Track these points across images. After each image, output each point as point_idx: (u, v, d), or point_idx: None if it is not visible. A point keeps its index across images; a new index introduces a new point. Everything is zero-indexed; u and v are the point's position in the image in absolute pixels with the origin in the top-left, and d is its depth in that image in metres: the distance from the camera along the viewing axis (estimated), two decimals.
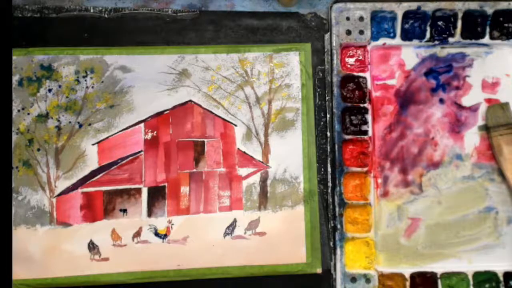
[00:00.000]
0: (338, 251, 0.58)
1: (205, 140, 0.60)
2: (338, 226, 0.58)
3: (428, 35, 0.61)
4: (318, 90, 0.61)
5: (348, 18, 0.61)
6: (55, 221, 0.57)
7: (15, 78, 0.59)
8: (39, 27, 0.60)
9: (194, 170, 0.59)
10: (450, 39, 0.61)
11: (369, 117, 0.60)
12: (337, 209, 0.58)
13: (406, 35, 0.61)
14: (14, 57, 0.59)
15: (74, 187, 0.58)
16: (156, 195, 0.58)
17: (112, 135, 0.59)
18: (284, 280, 0.57)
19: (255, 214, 0.58)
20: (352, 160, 0.59)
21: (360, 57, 0.61)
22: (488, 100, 0.61)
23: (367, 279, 0.57)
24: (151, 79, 0.60)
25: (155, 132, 0.59)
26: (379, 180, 0.60)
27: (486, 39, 0.61)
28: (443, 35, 0.61)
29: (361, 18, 0.61)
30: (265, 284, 0.57)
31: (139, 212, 0.58)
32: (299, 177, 0.59)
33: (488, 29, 0.61)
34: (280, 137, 0.60)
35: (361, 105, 0.60)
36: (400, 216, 0.59)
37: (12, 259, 0.54)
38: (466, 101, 0.61)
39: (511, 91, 0.61)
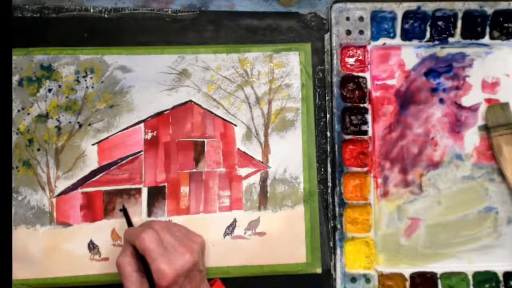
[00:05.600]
0: (338, 251, 0.58)
1: (205, 140, 0.60)
2: (338, 226, 0.58)
3: (428, 35, 0.61)
4: (318, 90, 0.61)
5: (348, 18, 0.61)
6: (55, 221, 0.57)
7: (15, 78, 0.59)
8: (39, 27, 0.60)
9: (194, 170, 0.59)
10: (450, 39, 0.61)
11: (369, 117, 0.60)
12: (337, 209, 0.58)
13: (406, 35, 0.61)
14: (14, 57, 0.59)
15: (74, 187, 0.58)
16: (156, 195, 0.58)
17: (112, 135, 0.59)
18: (284, 280, 0.57)
19: (255, 214, 0.58)
20: (352, 160, 0.59)
21: (360, 57, 0.61)
22: (488, 100, 0.61)
23: (367, 279, 0.57)
24: (151, 79, 0.59)
25: (155, 132, 0.59)
26: (379, 180, 0.60)
27: (486, 39, 0.61)
28: (443, 35, 0.61)
29: (361, 18, 0.61)
30: (265, 284, 0.57)
31: (139, 212, 0.58)
32: (299, 177, 0.59)
33: (488, 29, 0.61)
34: (280, 137, 0.60)
35: (361, 105, 0.60)
36: (400, 216, 0.59)
37: (12, 259, 0.54)
38: (466, 101, 0.61)
39: (511, 91, 0.61)
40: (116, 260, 0.50)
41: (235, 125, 0.60)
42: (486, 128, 0.60)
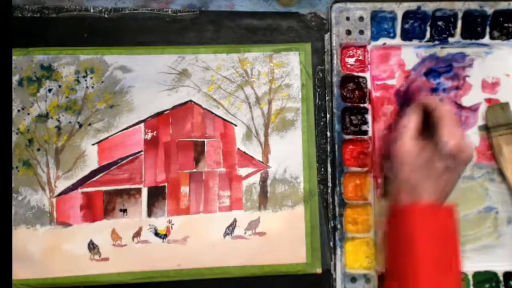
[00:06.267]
0: (338, 251, 0.58)
1: (205, 140, 0.60)
2: (338, 226, 0.58)
3: (428, 35, 0.61)
4: (318, 90, 0.61)
5: (348, 18, 0.61)
6: (55, 221, 0.57)
7: (15, 78, 0.59)
8: (39, 27, 0.60)
9: (194, 170, 0.59)
10: (450, 39, 0.61)
11: (369, 117, 0.60)
12: (337, 209, 0.58)
13: (406, 35, 0.61)
14: (14, 57, 0.59)
15: (74, 187, 0.58)
16: (156, 195, 0.58)
17: (112, 135, 0.59)
18: (284, 280, 0.57)
19: (255, 214, 0.58)
20: (352, 160, 0.59)
21: (360, 57, 0.61)
22: (488, 100, 0.61)
23: (367, 279, 0.57)
24: (151, 79, 0.59)
25: (155, 132, 0.59)
26: (379, 180, 0.59)
27: (486, 39, 0.61)
28: (443, 35, 0.61)
29: (361, 18, 0.61)
30: (265, 284, 0.57)
31: (139, 212, 0.58)
32: (299, 177, 0.59)
33: (488, 29, 0.61)
34: (280, 137, 0.60)
35: (361, 105, 0.60)
36: None
37: (12, 259, 0.54)
38: (466, 101, 0.61)
39: (511, 91, 0.61)
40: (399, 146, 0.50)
41: (235, 125, 0.60)
42: (486, 128, 0.60)
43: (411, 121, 0.50)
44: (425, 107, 0.51)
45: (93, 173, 0.58)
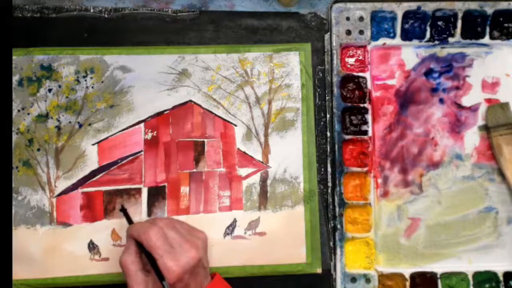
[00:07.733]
0: (338, 251, 0.58)
1: (205, 140, 0.60)
2: (338, 226, 0.58)
3: (428, 35, 0.61)
4: (318, 90, 0.61)
5: (348, 18, 0.61)
6: (55, 221, 0.57)
7: (15, 78, 0.59)
8: (39, 27, 0.60)
9: (194, 170, 0.59)
10: (450, 39, 0.61)
11: (369, 117, 0.60)
12: (337, 209, 0.58)
13: (406, 35, 0.61)
14: (14, 57, 0.59)
15: (74, 187, 0.58)
16: (156, 195, 0.58)
17: (112, 135, 0.59)
18: (284, 280, 0.57)
19: (255, 214, 0.58)
20: (352, 160, 0.59)
21: (360, 57, 0.61)
22: (488, 100, 0.61)
23: (367, 279, 0.57)
24: (151, 79, 0.60)
25: (155, 132, 0.59)
26: (379, 180, 0.59)
27: (486, 39, 0.61)
28: (443, 35, 0.61)
29: (361, 18, 0.61)
30: (265, 284, 0.57)
31: (139, 212, 0.58)
32: (299, 177, 0.59)
33: (488, 29, 0.61)
34: (280, 137, 0.60)
35: (361, 105, 0.60)
36: (400, 216, 0.59)
37: (12, 259, 0.54)
38: (466, 101, 0.61)
39: (511, 91, 0.61)
40: (120, 259, 0.49)
41: (235, 125, 0.60)
42: (486, 128, 0.60)
43: (133, 265, 0.49)
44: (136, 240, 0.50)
45: (93, 173, 0.58)
